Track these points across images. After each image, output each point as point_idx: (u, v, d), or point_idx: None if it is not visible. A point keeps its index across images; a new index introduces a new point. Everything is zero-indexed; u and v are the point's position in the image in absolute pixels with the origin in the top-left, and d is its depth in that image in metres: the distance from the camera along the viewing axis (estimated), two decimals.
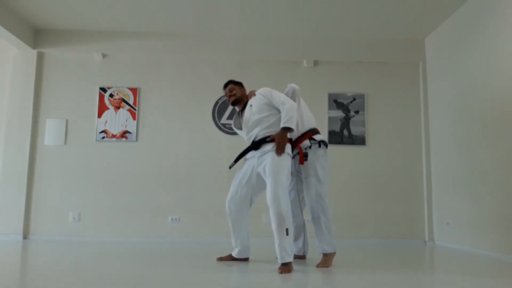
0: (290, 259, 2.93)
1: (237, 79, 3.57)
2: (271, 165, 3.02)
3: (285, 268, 2.90)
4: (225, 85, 3.47)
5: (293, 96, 3.36)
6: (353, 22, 4.96)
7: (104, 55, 5.29)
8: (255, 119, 3.21)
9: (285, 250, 2.91)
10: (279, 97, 3.17)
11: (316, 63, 5.38)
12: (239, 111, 3.47)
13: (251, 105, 3.28)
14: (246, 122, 3.26)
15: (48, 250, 4.10)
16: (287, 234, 2.91)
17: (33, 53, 5.16)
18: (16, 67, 5.15)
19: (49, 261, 3.44)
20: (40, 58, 5.22)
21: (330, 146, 5.21)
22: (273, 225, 2.95)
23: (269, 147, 3.09)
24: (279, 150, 3.02)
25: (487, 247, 3.97)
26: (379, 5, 4.55)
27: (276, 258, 2.98)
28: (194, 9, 4.69)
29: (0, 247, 4.23)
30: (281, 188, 2.97)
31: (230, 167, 3.34)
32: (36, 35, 5.21)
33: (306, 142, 3.31)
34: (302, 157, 3.23)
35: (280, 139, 3.04)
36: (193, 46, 5.30)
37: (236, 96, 3.39)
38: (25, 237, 4.91)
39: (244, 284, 2.73)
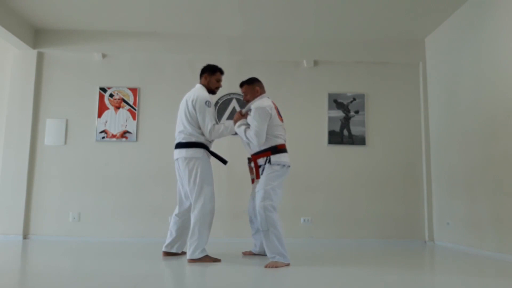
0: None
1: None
2: None
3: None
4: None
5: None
6: (353, 22, 4.95)
7: (104, 55, 5.29)
8: None
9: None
10: None
11: (316, 63, 5.38)
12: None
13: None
14: None
15: (48, 250, 4.10)
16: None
17: (33, 53, 5.16)
18: (16, 67, 5.15)
19: (49, 261, 3.44)
20: (40, 58, 5.22)
21: (330, 146, 5.30)
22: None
23: None
24: None
25: (486, 247, 3.97)
26: (379, 5, 4.54)
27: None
28: (194, 9, 4.69)
29: (0, 247, 4.24)
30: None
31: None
32: (36, 35, 5.21)
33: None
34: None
35: None
36: (193, 46, 5.30)
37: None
38: (25, 237, 4.91)
39: (244, 282, 2.73)
